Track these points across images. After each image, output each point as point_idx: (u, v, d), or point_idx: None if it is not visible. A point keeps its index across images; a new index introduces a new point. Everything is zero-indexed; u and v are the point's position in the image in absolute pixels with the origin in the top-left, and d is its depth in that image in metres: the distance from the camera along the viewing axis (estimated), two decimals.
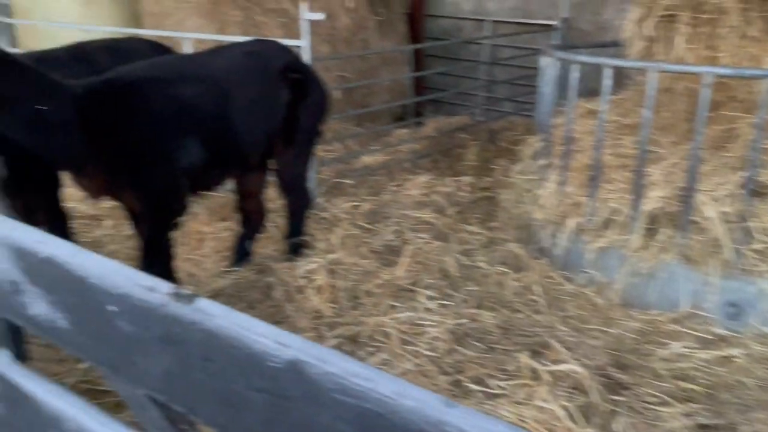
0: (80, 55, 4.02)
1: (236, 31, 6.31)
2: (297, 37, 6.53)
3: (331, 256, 4.15)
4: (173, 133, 3.28)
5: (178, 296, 1.27)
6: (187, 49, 5.61)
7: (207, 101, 3.43)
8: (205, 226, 4.75)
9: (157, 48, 4.49)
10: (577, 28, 8.14)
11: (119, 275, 1.31)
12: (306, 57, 5.14)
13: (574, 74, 4.40)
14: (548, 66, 5.04)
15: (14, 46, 7.84)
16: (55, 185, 3.93)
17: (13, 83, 2.79)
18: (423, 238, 4.49)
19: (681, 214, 3.68)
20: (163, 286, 1.29)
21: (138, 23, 9.52)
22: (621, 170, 4.24)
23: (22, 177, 3.70)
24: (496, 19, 8.58)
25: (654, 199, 3.79)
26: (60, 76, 3.76)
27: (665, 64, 4.22)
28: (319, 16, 5.10)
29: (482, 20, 8.66)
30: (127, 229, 4.90)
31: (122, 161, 3.16)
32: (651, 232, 3.84)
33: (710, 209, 3.56)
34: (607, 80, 4.14)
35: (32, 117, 2.85)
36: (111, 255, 4.57)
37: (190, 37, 5.79)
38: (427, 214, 4.92)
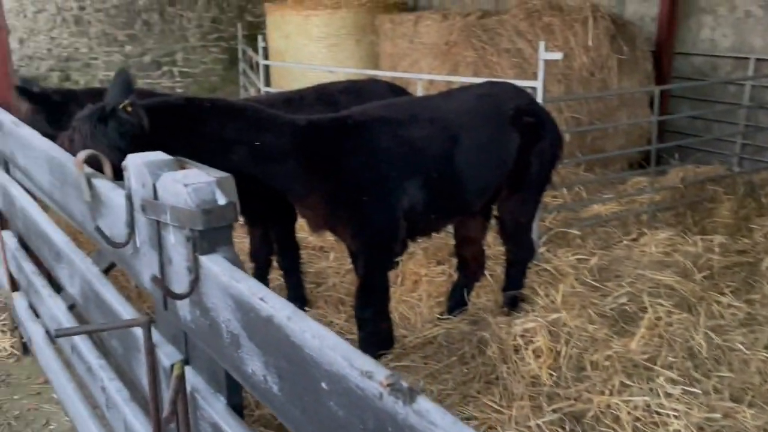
0: (324, 95, 4.19)
1: (468, 72, 6.26)
2: (531, 77, 6.30)
3: (553, 316, 3.77)
4: (398, 173, 3.21)
5: (396, 389, 1.07)
6: (420, 89, 5.67)
7: (435, 144, 3.31)
8: (421, 268, 4.65)
9: (395, 90, 4.54)
10: None
11: (336, 352, 1.16)
12: (539, 98, 4.87)
13: None
14: None
15: (268, 84, 8.63)
16: (290, 218, 4.11)
17: (239, 127, 2.91)
18: (664, 306, 3.90)
19: None
20: (380, 372, 1.11)
21: (376, 64, 10.03)
22: None
23: (260, 209, 3.92)
24: (760, 57, 7.53)
25: None
26: (303, 115, 3.97)
27: None
28: (557, 55, 4.80)
29: (744, 58, 7.66)
30: (347, 264, 5.00)
31: (343, 196, 3.16)
32: None
33: None
34: None
35: (257, 150, 2.94)
36: (332, 288, 4.66)
37: (423, 78, 5.86)
38: (668, 277, 4.30)
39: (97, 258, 2.63)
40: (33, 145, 2.80)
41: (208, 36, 11.64)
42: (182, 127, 2.81)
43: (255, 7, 11.92)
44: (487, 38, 6.45)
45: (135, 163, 1.79)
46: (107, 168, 2.24)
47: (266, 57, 9.90)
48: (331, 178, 3.12)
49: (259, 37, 8.06)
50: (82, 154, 2.18)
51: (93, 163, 2.55)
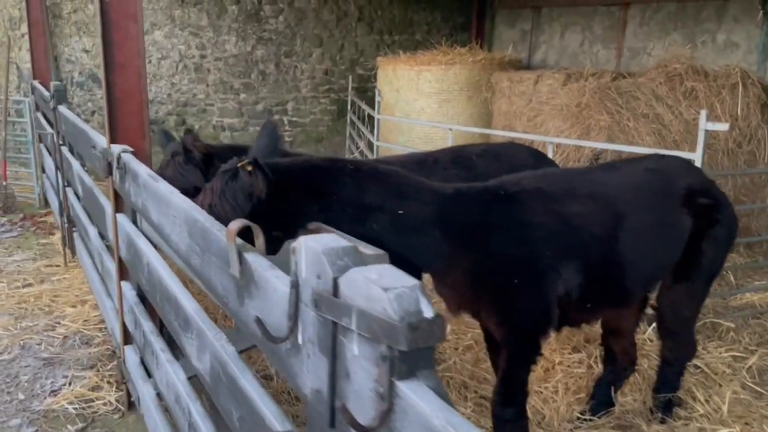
0: (459, 158, 3.89)
1: (602, 136, 5.83)
2: (671, 145, 5.80)
3: (724, 431, 3.22)
4: (553, 253, 2.81)
5: None
6: (551, 152, 5.30)
7: (597, 222, 2.91)
8: (554, 354, 4.19)
9: (535, 155, 4.19)
10: None
11: None
12: None
13: None
14: None
15: (377, 138, 8.50)
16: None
17: (382, 193, 2.63)
18: None
19: None
20: None
21: (487, 122, 9.76)
22: None
23: None
24: None
25: None
26: (438, 179, 3.68)
27: None
28: (723, 126, 4.32)
29: None
30: (466, 339, 4.59)
31: (490, 275, 2.79)
32: None
33: None
34: None
35: (400, 219, 2.65)
36: (452, 368, 4.26)
37: (553, 140, 5.49)
38: None
39: (235, 336, 2.38)
40: (171, 203, 2.62)
41: (319, 87, 11.77)
42: (321, 191, 2.57)
43: (366, 61, 12.00)
44: (623, 102, 6.02)
45: (310, 247, 1.51)
46: (260, 241, 2.00)
47: (379, 111, 9.83)
48: (478, 254, 2.77)
49: (376, 91, 7.95)
50: (235, 225, 1.94)
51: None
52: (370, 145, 10.46)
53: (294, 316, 1.59)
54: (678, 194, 3.12)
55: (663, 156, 3.51)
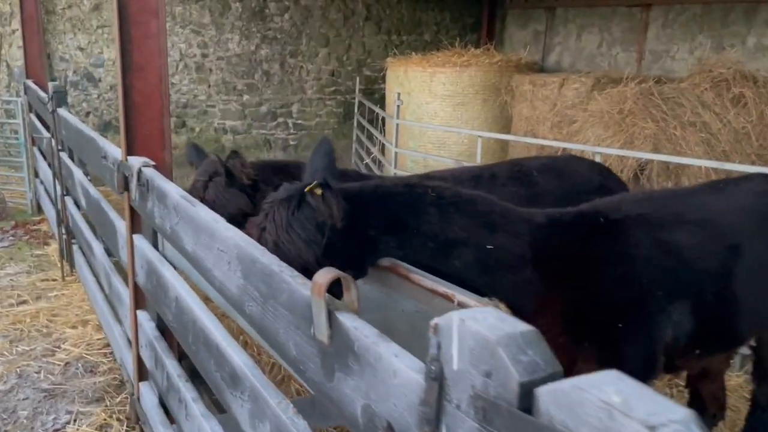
0: (519, 173, 3.47)
1: (647, 146, 5.43)
2: (720, 155, 5.42)
3: None
4: (664, 292, 2.39)
5: None
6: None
7: (709, 254, 2.49)
8: None
9: (601, 170, 3.78)
10: None
11: None
12: None
13: None
14: None
15: (396, 144, 8.06)
16: None
17: (469, 224, 2.20)
18: None
19: None
20: None
21: (503, 126, 9.35)
22: None
23: None
24: None
25: None
26: (497, 197, 3.25)
27: None
28: None
29: None
30: None
31: (589, 319, 2.36)
32: None
33: None
34: None
35: (488, 255, 2.22)
36: None
37: (598, 151, 5.08)
38: None
39: (307, 406, 1.94)
40: (217, 235, 2.17)
41: (325, 89, 11.32)
42: (400, 222, 2.14)
43: (374, 62, 11.56)
44: (667, 108, 5.62)
45: (471, 331, 1.06)
46: (352, 295, 1.56)
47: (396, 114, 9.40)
48: (577, 294, 2.34)
49: (396, 95, 7.51)
50: (327, 276, 1.50)
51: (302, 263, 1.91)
52: (381, 150, 10.04)
53: (435, 420, 1.15)
54: None
55: (753, 175, 3.07)
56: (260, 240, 2.04)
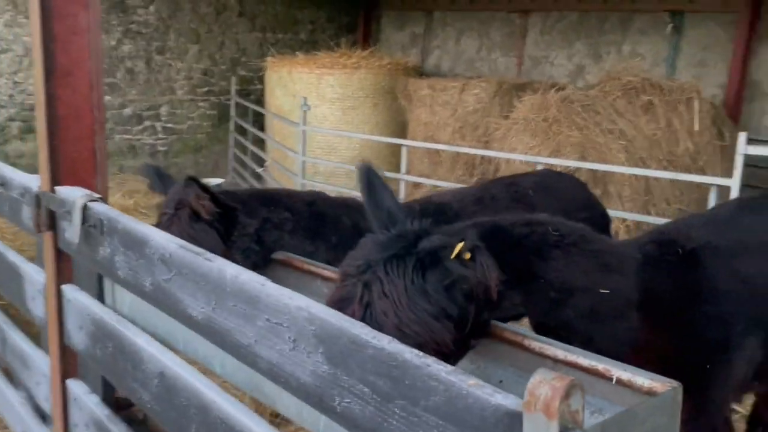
0: (516, 194, 3.19)
1: (574, 153, 5.42)
2: (638, 162, 5.54)
3: None
4: (743, 326, 2.21)
5: None
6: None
7: None
8: None
9: (579, 185, 3.60)
10: None
11: None
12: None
13: None
14: None
15: (303, 153, 7.49)
16: None
17: (588, 266, 1.88)
18: None
19: None
20: None
21: (395, 131, 9.11)
22: None
23: None
24: None
25: None
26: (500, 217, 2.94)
27: None
28: (766, 151, 4.00)
29: None
30: None
31: (681, 362, 2.12)
32: None
33: None
34: None
35: (597, 303, 1.91)
36: None
37: (528, 159, 4.97)
38: None
39: None
40: (267, 303, 1.62)
41: (197, 89, 10.39)
42: (526, 272, 1.74)
43: (250, 61, 10.82)
44: (587, 116, 5.66)
45: None
46: (574, 400, 1.13)
47: (258, 116, 8.81)
48: (672, 336, 2.08)
49: (303, 100, 6.94)
50: (558, 390, 1.06)
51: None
52: (255, 158, 9.39)
53: None
54: None
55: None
56: (366, 320, 1.53)
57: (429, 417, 1.28)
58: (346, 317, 1.49)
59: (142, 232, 2.08)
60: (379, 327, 1.48)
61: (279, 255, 2.45)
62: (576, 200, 3.39)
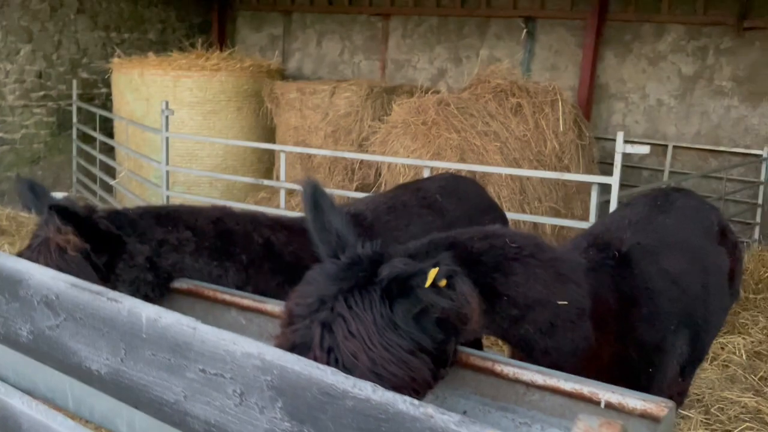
0: (425, 200, 3.04)
1: (454, 156, 5.42)
2: (512, 163, 5.68)
3: None
4: (674, 324, 2.22)
5: None
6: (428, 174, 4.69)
7: (693, 279, 2.39)
8: None
9: (478, 187, 3.55)
10: None
11: None
12: (614, 196, 4.23)
13: None
14: None
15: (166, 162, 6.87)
16: None
17: (548, 278, 1.77)
18: None
19: None
20: None
21: (261, 135, 8.71)
22: None
23: None
24: (677, 144, 7.85)
25: None
26: (418, 228, 2.80)
27: None
28: (644, 149, 4.18)
29: (659, 144, 7.93)
30: None
31: (631, 361, 2.08)
32: None
33: None
34: None
35: (556, 315, 1.81)
36: None
37: (428, 164, 4.89)
38: None
39: None
40: (202, 349, 1.32)
41: (31, 94, 9.27)
42: (489, 290, 1.58)
43: (93, 62, 9.88)
44: (463, 119, 5.70)
45: None
46: None
47: (105, 123, 8.09)
48: (619, 342, 2.03)
49: (165, 104, 6.34)
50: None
51: None
52: (104, 168, 8.59)
53: None
54: (715, 233, 2.77)
55: (669, 190, 3.11)
56: (332, 364, 1.27)
57: None
58: (314, 363, 1.23)
59: (13, 268, 1.67)
60: (348, 373, 1.24)
61: (182, 283, 2.11)
62: (480, 203, 3.33)
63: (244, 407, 1.29)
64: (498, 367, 1.52)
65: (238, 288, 2.18)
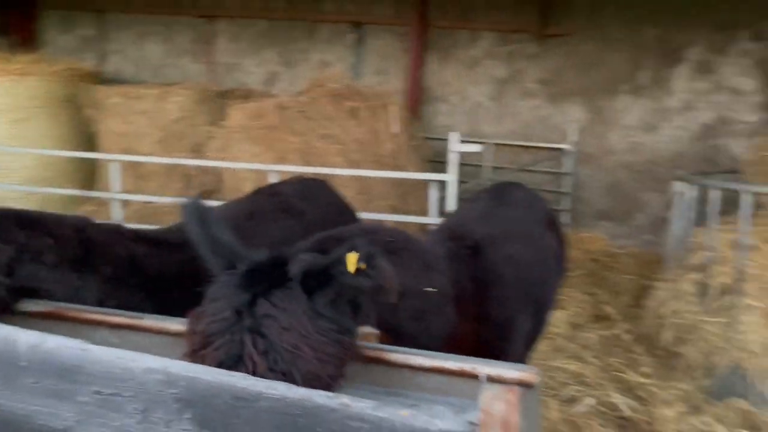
0: (282, 205, 3.06)
1: (298, 160, 5.47)
2: (353, 164, 5.88)
3: None
4: (522, 306, 2.49)
5: None
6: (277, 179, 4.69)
7: (536, 263, 2.68)
8: None
9: (328, 187, 3.65)
10: (582, 151, 8.33)
11: None
12: (452, 192, 4.53)
13: (716, 200, 4.43)
14: (685, 191, 4.94)
15: None
16: None
17: (415, 268, 1.92)
18: None
19: None
20: None
21: (80, 143, 8.10)
22: None
23: None
24: (497, 141, 8.53)
25: None
26: (280, 234, 2.84)
27: None
28: (475, 147, 4.52)
29: (481, 143, 8.56)
30: None
31: (489, 335, 2.30)
32: None
33: None
34: (746, 206, 4.17)
35: (425, 301, 1.97)
36: None
37: (252, 167, 4.87)
38: None
39: None
40: (118, 374, 1.28)
41: None
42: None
43: None
44: (303, 122, 5.77)
45: None
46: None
47: None
48: (475, 320, 2.24)
49: None
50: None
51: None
52: None
53: None
54: (545, 220, 3.11)
55: (506, 185, 3.41)
56: (274, 367, 1.28)
57: None
58: (223, 371, 1.25)
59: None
60: (293, 366, 1.28)
61: (38, 306, 1.96)
62: (334, 205, 3.42)
63: (147, 424, 1.27)
64: (387, 356, 1.63)
65: (100, 302, 2.07)
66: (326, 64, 9.21)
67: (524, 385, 1.52)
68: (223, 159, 5.51)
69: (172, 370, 1.24)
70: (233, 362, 1.29)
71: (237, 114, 5.80)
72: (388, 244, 1.80)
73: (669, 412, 3.81)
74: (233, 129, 5.66)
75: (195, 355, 1.34)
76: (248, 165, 5.13)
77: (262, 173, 5.25)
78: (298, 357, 1.29)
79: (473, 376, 1.58)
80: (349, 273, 1.35)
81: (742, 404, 3.93)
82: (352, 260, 1.34)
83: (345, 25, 9.00)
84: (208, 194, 6.07)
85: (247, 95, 7.13)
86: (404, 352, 1.64)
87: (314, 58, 9.31)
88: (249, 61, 9.65)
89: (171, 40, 9.98)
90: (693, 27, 7.77)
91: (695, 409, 3.92)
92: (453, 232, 2.44)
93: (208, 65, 9.78)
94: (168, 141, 6.98)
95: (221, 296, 1.38)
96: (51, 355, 1.32)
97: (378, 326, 1.92)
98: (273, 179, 4.71)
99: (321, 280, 1.37)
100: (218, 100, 7.04)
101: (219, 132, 5.83)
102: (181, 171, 6.49)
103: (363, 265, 1.35)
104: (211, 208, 1.61)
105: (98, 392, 1.30)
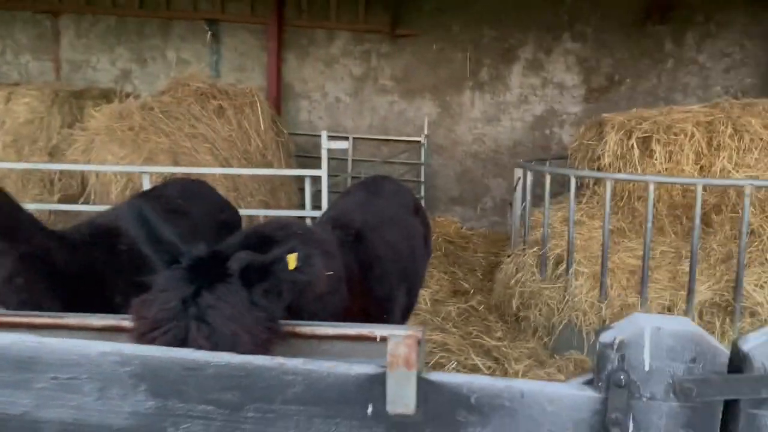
0: (167, 206, 3.23)
1: (168, 160, 5.50)
2: (223, 162, 6.02)
3: None
4: (397, 283, 2.89)
5: None
6: (148, 182, 4.74)
7: (404, 247, 3.09)
8: None
9: (209, 187, 3.84)
10: (434, 143, 8.98)
11: None
12: (324, 187, 4.83)
13: (547, 183, 5.14)
14: (523, 177, 5.64)
15: None
16: None
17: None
18: None
19: (733, 303, 4.44)
20: None
21: None
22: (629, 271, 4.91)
23: None
24: (356, 136, 8.95)
25: (703, 292, 4.49)
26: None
27: (622, 174, 5.18)
28: (342, 144, 4.86)
29: (343, 137, 8.93)
30: None
31: (371, 312, 2.68)
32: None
33: (759, 295, 4.38)
34: (573, 188, 4.94)
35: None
36: None
37: (148, 170, 4.89)
38: None
39: None
40: (75, 359, 1.48)
41: None
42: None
43: None
44: (170, 122, 5.81)
45: (668, 332, 1.34)
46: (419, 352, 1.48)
47: None
48: (362, 297, 2.60)
49: None
50: (412, 345, 1.40)
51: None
52: None
53: (624, 419, 1.37)
54: (412, 207, 3.53)
55: (377, 178, 3.78)
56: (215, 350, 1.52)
57: (288, 408, 1.45)
58: (173, 348, 1.50)
59: None
60: (232, 350, 1.54)
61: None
62: (216, 203, 3.64)
63: (104, 400, 1.48)
64: (298, 329, 1.93)
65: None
66: (183, 61, 9.13)
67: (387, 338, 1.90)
68: (87, 162, 5.42)
69: (126, 351, 1.47)
70: (180, 345, 1.53)
71: (99, 115, 5.70)
72: (321, 243, 2.10)
73: (519, 367, 4.42)
74: (96, 131, 5.57)
75: (144, 337, 1.57)
76: (119, 167, 5.10)
77: (131, 175, 5.24)
78: (237, 342, 1.56)
79: (371, 339, 1.93)
80: (288, 270, 1.64)
81: (577, 355, 4.65)
82: (292, 260, 1.64)
83: (200, 22, 8.97)
84: (72, 198, 5.91)
85: (103, 95, 6.96)
86: (311, 325, 1.95)
87: (170, 55, 9.20)
88: (98, 58, 9.31)
89: (10, 37, 9.37)
90: (524, 28, 8.67)
91: (541, 363, 4.58)
92: (337, 221, 2.77)
93: (53, 63, 9.30)
94: (19, 144, 6.65)
95: (168, 287, 1.61)
96: (7, 350, 1.49)
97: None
98: (145, 180, 4.75)
99: (260, 275, 1.64)
100: (73, 100, 6.81)
101: (82, 135, 5.70)
102: (39, 175, 6.24)
103: (300, 264, 1.65)
104: (152, 212, 1.83)
105: (55, 378, 1.49)
